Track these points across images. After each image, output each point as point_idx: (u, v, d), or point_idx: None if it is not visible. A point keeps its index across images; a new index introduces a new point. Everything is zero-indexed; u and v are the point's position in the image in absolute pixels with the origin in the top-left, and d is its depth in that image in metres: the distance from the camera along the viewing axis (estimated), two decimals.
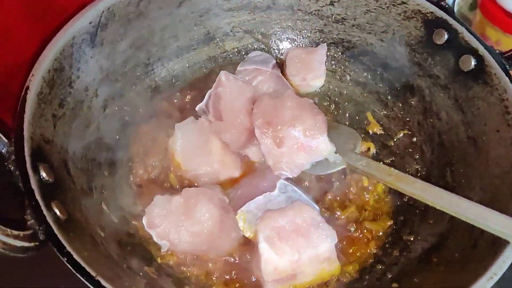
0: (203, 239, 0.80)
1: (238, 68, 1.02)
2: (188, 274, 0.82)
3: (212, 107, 0.93)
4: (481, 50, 0.87)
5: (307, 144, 0.87)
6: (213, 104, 0.93)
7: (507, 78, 0.83)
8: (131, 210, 0.88)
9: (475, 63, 0.87)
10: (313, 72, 1.05)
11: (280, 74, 1.04)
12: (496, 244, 0.69)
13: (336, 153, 0.88)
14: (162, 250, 0.83)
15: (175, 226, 0.79)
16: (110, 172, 0.89)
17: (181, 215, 0.80)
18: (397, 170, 0.82)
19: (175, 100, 1.02)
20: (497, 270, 0.65)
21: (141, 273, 0.76)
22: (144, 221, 0.81)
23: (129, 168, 0.93)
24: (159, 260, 0.83)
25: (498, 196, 0.77)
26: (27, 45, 0.91)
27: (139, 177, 0.92)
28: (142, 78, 1.00)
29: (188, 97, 1.03)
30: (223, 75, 0.92)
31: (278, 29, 1.10)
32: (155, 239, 0.81)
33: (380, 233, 0.89)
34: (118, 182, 0.90)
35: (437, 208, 0.76)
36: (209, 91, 0.94)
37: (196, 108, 0.95)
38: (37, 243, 0.64)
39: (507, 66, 0.85)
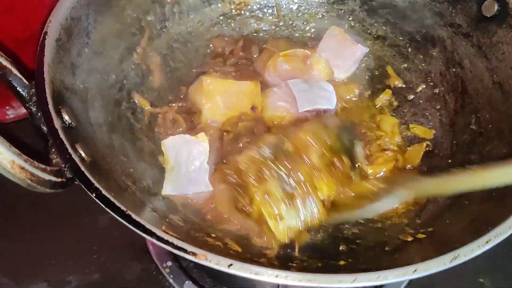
0: None
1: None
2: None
3: None
4: None
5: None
6: None
7: None
8: (152, 162, 0.85)
9: (499, 7, 0.86)
10: (343, 67, 1.01)
11: None
12: None
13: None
14: None
15: None
16: (130, 126, 0.87)
17: None
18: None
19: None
20: None
21: (167, 219, 0.74)
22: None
23: (150, 122, 0.91)
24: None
25: None
26: (33, 18, 0.88)
27: (161, 130, 0.90)
28: (158, 34, 0.98)
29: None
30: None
31: None
32: None
33: None
34: (139, 135, 0.88)
35: None
36: None
37: None
38: (63, 180, 0.62)
39: None
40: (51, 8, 0.79)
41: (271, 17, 1.09)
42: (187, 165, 0.81)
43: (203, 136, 0.81)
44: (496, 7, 0.86)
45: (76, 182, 0.63)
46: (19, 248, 0.91)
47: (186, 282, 0.87)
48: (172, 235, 0.62)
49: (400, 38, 1.02)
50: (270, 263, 0.72)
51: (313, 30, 1.09)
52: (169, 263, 0.89)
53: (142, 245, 0.91)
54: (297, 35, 1.08)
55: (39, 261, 0.90)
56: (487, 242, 0.60)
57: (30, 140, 0.70)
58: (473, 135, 0.87)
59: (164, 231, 0.62)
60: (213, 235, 0.76)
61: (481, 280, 0.91)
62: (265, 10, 1.08)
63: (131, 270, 0.89)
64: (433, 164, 0.89)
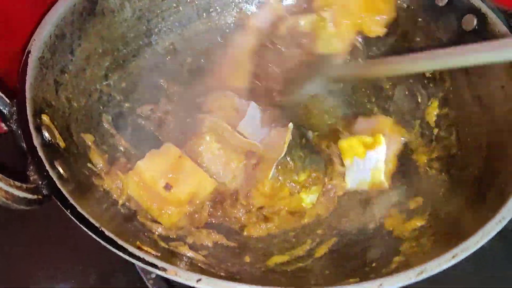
0: None
1: None
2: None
3: None
4: (484, 8, 0.86)
5: None
6: None
7: (511, 35, 0.82)
8: None
9: (478, 22, 0.86)
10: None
11: None
12: (504, 194, 0.69)
13: None
14: None
15: None
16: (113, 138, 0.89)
17: None
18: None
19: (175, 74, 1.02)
20: (505, 214, 0.65)
21: (145, 233, 0.75)
22: None
23: None
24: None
25: (507, 151, 0.76)
26: (27, 31, 0.90)
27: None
28: (143, 49, 0.99)
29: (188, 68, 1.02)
30: None
31: None
32: None
33: None
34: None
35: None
36: None
37: None
38: (40, 197, 0.63)
39: (510, 23, 0.84)
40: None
41: None
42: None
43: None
44: (475, 22, 0.87)
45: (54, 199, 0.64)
46: (5, 259, 0.92)
47: None
48: (145, 251, 0.63)
49: (383, 53, 1.03)
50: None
51: None
52: (153, 275, 0.90)
53: None
54: None
55: (25, 271, 0.91)
56: (453, 257, 0.61)
57: (9, 156, 0.71)
58: (453, 149, 0.88)
59: (139, 247, 0.64)
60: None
61: None
62: None
63: (116, 281, 0.90)
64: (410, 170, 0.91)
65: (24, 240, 0.95)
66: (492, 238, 0.88)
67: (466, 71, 0.89)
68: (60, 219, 0.91)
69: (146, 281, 0.90)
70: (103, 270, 0.92)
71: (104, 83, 0.91)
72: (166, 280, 0.90)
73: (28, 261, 0.93)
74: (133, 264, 0.91)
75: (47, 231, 0.95)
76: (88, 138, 0.82)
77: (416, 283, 0.59)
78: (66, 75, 0.82)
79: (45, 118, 0.73)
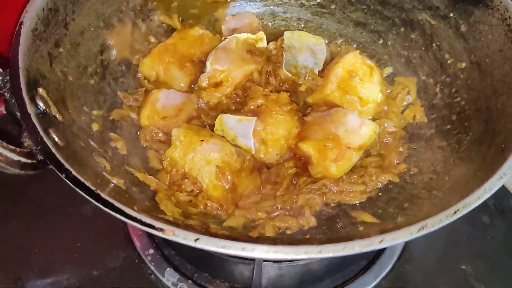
0: None
1: None
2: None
3: None
4: None
5: None
6: None
7: None
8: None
9: None
10: None
11: None
12: (504, 152, 0.68)
13: None
14: None
15: None
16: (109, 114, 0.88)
17: None
18: None
19: None
20: (506, 171, 0.64)
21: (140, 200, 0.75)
22: None
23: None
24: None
25: (505, 110, 0.75)
26: (22, 1, 0.89)
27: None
28: (139, 25, 0.98)
29: None
30: None
31: None
32: None
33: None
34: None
35: None
36: None
37: None
38: (34, 161, 0.62)
39: None
40: None
41: None
42: None
43: None
44: None
45: (49, 166, 0.63)
46: (4, 237, 0.92)
47: (167, 269, 0.88)
48: (141, 213, 0.62)
49: (380, 24, 1.02)
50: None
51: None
52: (151, 251, 0.89)
53: (125, 234, 0.92)
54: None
55: (24, 249, 0.91)
56: (455, 212, 0.60)
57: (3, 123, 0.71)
58: (453, 110, 0.88)
59: (136, 211, 0.63)
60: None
61: (463, 267, 0.91)
62: None
63: (114, 258, 0.89)
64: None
65: (21, 216, 0.95)
66: (494, 216, 0.89)
67: (463, 37, 0.88)
68: (59, 195, 0.93)
69: (144, 257, 0.89)
70: (101, 247, 0.91)
71: (100, 59, 0.90)
72: (163, 255, 0.90)
73: (25, 238, 0.93)
74: (131, 240, 0.92)
75: (46, 208, 0.95)
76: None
77: None
78: (60, 48, 0.81)
79: (40, 89, 0.71)
